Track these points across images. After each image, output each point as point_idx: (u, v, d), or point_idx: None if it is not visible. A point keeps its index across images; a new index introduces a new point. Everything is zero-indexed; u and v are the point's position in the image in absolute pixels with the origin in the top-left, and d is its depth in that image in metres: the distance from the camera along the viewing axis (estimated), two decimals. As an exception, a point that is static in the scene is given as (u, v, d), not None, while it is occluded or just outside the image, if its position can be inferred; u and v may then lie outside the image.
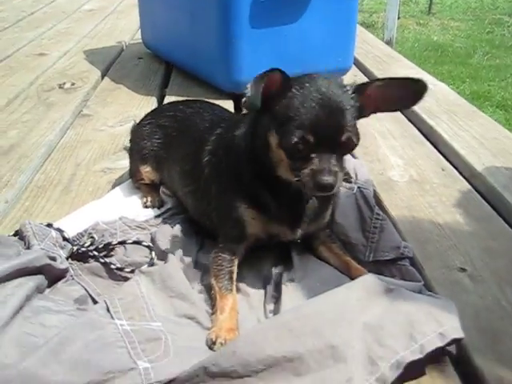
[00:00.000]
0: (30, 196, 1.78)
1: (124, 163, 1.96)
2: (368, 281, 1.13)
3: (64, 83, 2.93)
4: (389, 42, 5.38)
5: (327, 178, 1.14)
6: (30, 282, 1.17)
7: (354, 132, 1.18)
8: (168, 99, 2.61)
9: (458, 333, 1.05)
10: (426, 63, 6.05)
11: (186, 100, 1.92)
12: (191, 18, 2.65)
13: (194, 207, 1.55)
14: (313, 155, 1.15)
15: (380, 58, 3.34)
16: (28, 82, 2.97)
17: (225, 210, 1.38)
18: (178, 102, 1.92)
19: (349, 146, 1.20)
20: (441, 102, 2.57)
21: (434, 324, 1.04)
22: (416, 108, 2.47)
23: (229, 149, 1.38)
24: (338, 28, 2.68)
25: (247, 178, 1.33)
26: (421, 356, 1.00)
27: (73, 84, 2.92)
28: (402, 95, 1.25)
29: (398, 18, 6.22)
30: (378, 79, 1.29)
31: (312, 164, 1.15)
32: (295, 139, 1.14)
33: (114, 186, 1.82)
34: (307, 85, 1.19)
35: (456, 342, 1.06)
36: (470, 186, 1.85)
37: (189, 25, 2.69)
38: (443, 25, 8.74)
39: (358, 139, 1.20)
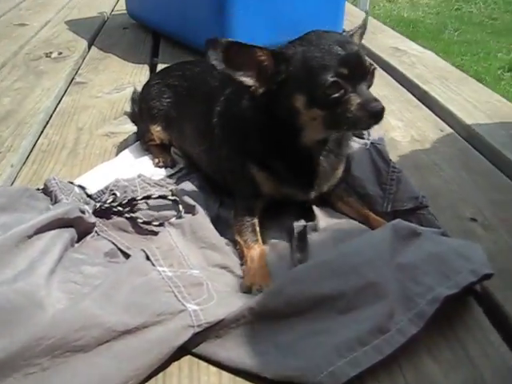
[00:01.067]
0: (37, 160, 1.77)
1: (127, 127, 1.96)
2: (398, 225, 1.17)
3: (51, 52, 2.88)
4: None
5: (377, 104, 1.16)
6: (66, 234, 1.17)
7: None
8: (160, 67, 2.59)
9: (488, 269, 1.09)
10: (400, 38, 6.13)
11: (194, 60, 1.92)
12: (182, -16, 2.63)
13: (208, 165, 1.55)
14: (350, 94, 1.16)
15: (367, 28, 3.36)
16: (12, 52, 2.92)
17: (237, 171, 1.39)
18: (185, 61, 1.90)
19: (373, 74, 1.23)
20: (431, 69, 2.62)
21: (464, 261, 1.09)
22: (408, 74, 2.54)
23: (238, 114, 1.37)
24: (330, -4, 2.71)
25: (257, 146, 1.34)
26: (457, 291, 1.04)
27: (60, 53, 2.87)
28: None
29: (370, -7, 6.26)
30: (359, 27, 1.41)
31: (355, 99, 1.16)
32: (329, 80, 1.15)
33: (120, 149, 1.82)
34: (308, 38, 1.22)
35: (485, 278, 1.11)
36: (469, 145, 1.90)
37: (180, -8, 2.67)
38: (412, 1, 8.83)
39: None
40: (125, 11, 3.42)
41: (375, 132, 1.68)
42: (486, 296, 1.18)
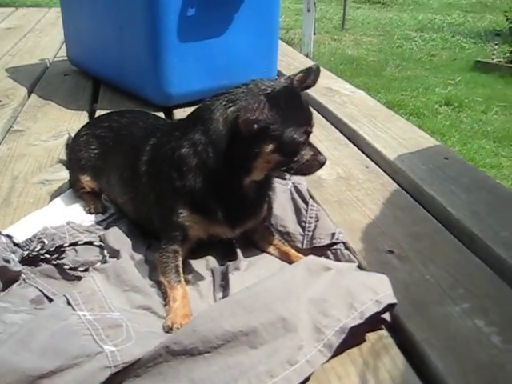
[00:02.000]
0: (-31, 210, 1.79)
1: (62, 175, 1.99)
2: (309, 261, 1.25)
3: (-11, 101, 2.90)
4: (306, 57, 5.62)
5: (323, 156, 1.41)
6: (-12, 284, 1.20)
7: None
8: (99, 113, 2.64)
9: (391, 299, 1.18)
10: (342, 76, 6.31)
11: (122, 110, 1.98)
12: (119, 33, 2.71)
13: (134, 213, 1.61)
14: (306, 146, 1.37)
15: (301, 69, 3.50)
16: (-49, 103, 2.92)
17: (166, 216, 1.44)
18: (113, 112, 1.96)
19: None
20: (361, 108, 2.76)
21: (370, 293, 1.17)
22: (338, 114, 2.66)
23: (169, 162, 1.42)
24: (262, 41, 2.84)
25: (194, 188, 1.38)
26: (361, 321, 1.12)
27: (-1, 101, 2.90)
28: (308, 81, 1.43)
29: (314, 33, 6.50)
30: (295, 74, 1.42)
31: (309, 151, 1.38)
32: (302, 139, 1.34)
33: (54, 197, 1.85)
34: (277, 91, 1.32)
35: (390, 307, 1.19)
36: (392, 181, 2.01)
37: (117, 40, 2.75)
38: (356, 40, 9.20)
39: None
40: (66, 58, 3.47)
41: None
42: (397, 324, 1.26)
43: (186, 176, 1.38)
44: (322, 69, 3.62)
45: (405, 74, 7.13)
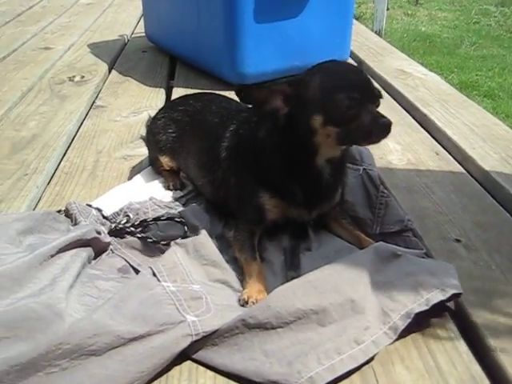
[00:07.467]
0: (59, 181, 1.93)
1: (142, 151, 2.11)
2: (379, 247, 1.30)
3: (74, 76, 3.07)
4: (378, 33, 5.50)
5: (386, 119, 1.32)
6: (84, 253, 1.33)
7: None
8: (175, 91, 2.77)
9: (457, 288, 1.22)
10: (414, 54, 6.19)
11: (196, 93, 2.07)
12: (197, 12, 2.80)
13: (211, 195, 1.70)
14: (362, 111, 1.32)
15: (374, 49, 3.50)
16: (38, 76, 3.10)
17: (246, 199, 1.52)
18: (188, 95, 2.06)
19: (380, 96, 1.41)
20: (433, 92, 2.74)
21: (436, 281, 1.21)
22: (410, 98, 2.66)
23: (250, 147, 1.51)
24: (336, 22, 2.86)
25: (274, 171, 1.47)
26: (426, 308, 1.17)
27: (82, 77, 3.06)
28: None
29: (387, 9, 6.36)
30: None
31: (366, 115, 1.32)
32: (345, 99, 1.31)
33: (135, 172, 1.97)
34: (324, 66, 1.40)
35: (456, 296, 1.24)
36: (461, 168, 2.02)
37: (194, 19, 2.83)
38: (431, 15, 8.91)
39: None
40: (144, 34, 3.60)
41: (367, 156, 1.81)
42: (460, 312, 1.30)
43: (265, 161, 1.47)
44: (394, 49, 3.66)
45: (480, 53, 6.87)
